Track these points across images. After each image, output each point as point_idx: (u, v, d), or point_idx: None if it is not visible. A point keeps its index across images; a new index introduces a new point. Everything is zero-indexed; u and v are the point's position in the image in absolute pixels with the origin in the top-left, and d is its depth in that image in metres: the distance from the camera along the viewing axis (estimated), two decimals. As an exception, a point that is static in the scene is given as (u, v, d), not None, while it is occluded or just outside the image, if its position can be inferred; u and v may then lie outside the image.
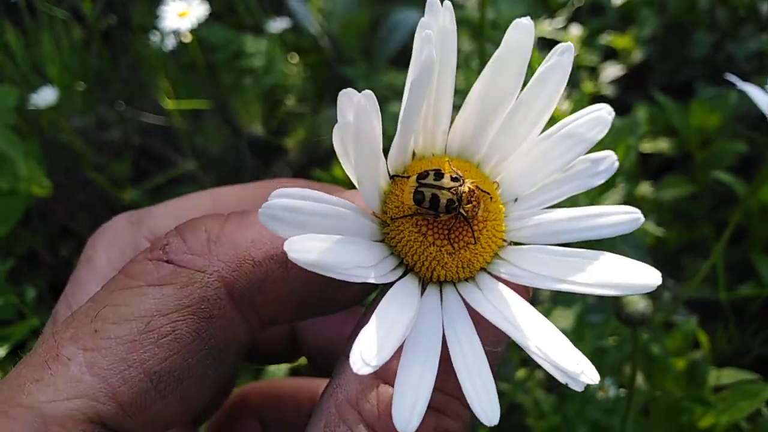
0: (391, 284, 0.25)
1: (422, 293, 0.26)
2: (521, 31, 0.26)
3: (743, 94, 0.56)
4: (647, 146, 0.91)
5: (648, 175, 0.92)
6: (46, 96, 0.93)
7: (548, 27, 1.12)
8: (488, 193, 0.27)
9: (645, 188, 0.87)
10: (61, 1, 1.26)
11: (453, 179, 0.26)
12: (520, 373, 0.70)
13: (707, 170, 0.82)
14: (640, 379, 0.64)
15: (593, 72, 1.09)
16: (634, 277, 0.24)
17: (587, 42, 1.10)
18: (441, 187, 0.25)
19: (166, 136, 1.23)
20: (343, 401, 0.24)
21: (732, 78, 0.56)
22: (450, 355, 0.23)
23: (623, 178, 0.80)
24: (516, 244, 0.28)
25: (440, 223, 0.26)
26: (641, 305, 0.39)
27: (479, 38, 0.69)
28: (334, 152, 0.26)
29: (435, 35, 0.25)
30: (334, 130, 0.24)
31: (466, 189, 0.26)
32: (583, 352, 0.62)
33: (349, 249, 0.24)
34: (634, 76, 1.09)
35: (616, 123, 0.81)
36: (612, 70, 1.06)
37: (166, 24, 1.03)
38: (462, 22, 1.17)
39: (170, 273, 0.24)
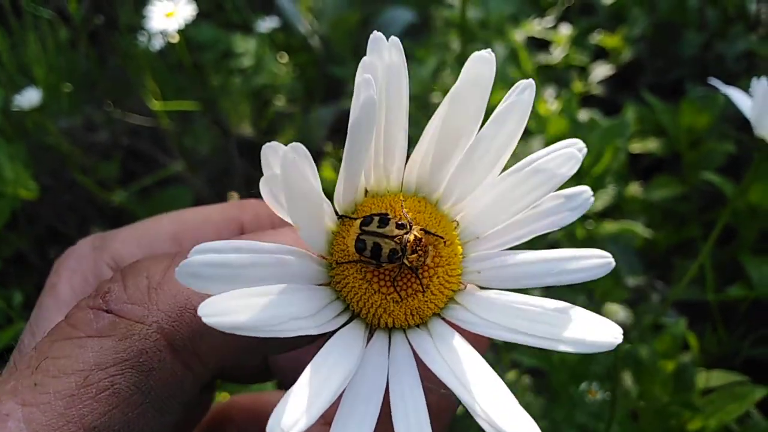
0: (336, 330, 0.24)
1: (369, 339, 0.25)
2: (481, 65, 0.25)
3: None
4: (637, 146, 0.91)
5: (637, 176, 0.92)
6: (30, 97, 0.92)
7: (538, 26, 1.12)
8: (441, 237, 0.26)
9: (634, 188, 0.86)
10: (47, 2, 1.24)
11: (399, 226, 0.25)
12: (510, 376, 0.69)
13: (696, 170, 0.82)
14: (629, 381, 0.63)
15: (583, 72, 1.08)
16: (594, 335, 0.23)
17: (577, 41, 1.10)
18: (384, 236, 0.24)
19: (155, 137, 1.22)
20: None
21: (715, 82, 0.55)
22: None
23: (612, 179, 0.80)
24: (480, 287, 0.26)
25: (385, 270, 0.25)
26: (620, 316, 0.39)
27: (464, 38, 0.68)
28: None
29: (381, 73, 0.24)
30: (260, 183, 0.23)
31: (411, 238, 0.24)
32: (571, 357, 0.61)
33: (281, 301, 0.22)
34: (624, 76, 1.09)
35: (605, 123, 0.81)
36: (602, 70, 1.05)
37: (153, 24, 1.02)
38: (451, 23, 1.16)
39: (109, 324, 0.24)
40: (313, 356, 0.23)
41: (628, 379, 0.65)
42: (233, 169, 1.17)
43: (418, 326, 0.26)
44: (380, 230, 0.24)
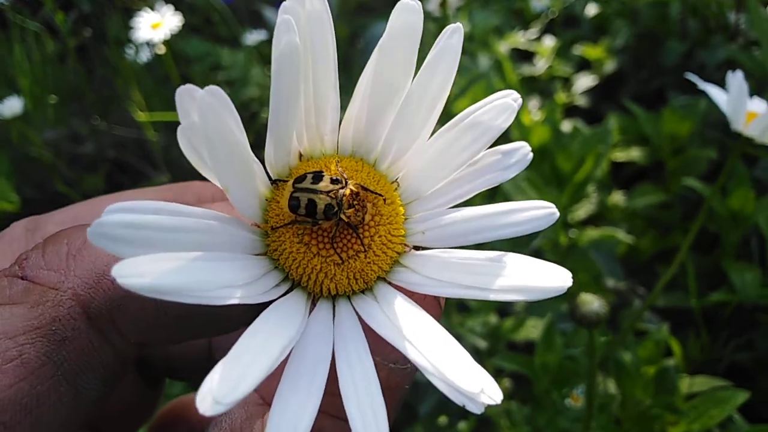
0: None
1: (312, 309, 0.23)
2: (408, 13, 0.23)
3: (713, 101, 0.56)
4: (620, 155, 0.91)
5: (621, 185, 0.92)
6: (12, 106, 0.91)
7: (522, 38, 1.13)
8: (380, 195, 0.24)
9: (617, 197, 0.87)
10: (34, 14, 1.25)
11: (333, 181, 0.23)
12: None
13: (679, 178, 0.83)
14: (612, 387, 0.63)
15: (567, 83, 1.09)
16: (544, 280, 0.22)
17: (561, 53, 1.11)
18: (318, 191, 0.23)
19: (141, 149, 1.22)
20: (226, 430, 0.23)
21: (692, 77, 0.56)
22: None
23: (596, 187, 0.81)
24: (424, 248, 0.25)
25: (323, 231, 0.23)
26: (595, 305, 0.39)
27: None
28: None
29: (303, 22, 0.23)
30: (177, 133, 0.21)
31: (348, 192, 0.23)
32: (552, 361, 0.61)
33: (211, 267, 0.20)
34: (607, 86, 1.09)
35: (587, 132, 0.81)
36: (585, 80, 1.06)
37: (139, 35, 1.02)
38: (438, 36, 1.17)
39: (22, 291, 0.22)
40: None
41: (612, 386, 0.64)
42: (219, 180, 1.17)
43: (363, 292, 0.24)
44: (314, 186, 0.23)
